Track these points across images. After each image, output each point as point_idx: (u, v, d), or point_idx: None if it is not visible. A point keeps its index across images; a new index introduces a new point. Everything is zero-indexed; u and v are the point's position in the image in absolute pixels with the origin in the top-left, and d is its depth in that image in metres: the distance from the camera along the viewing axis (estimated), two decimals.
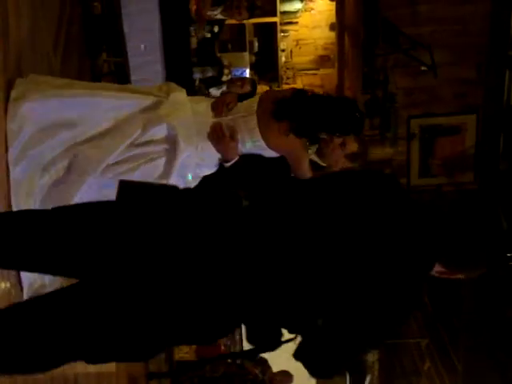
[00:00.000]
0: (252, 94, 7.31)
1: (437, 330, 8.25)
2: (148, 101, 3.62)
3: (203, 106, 3.76)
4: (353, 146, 3.77)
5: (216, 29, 7.44)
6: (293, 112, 3.63)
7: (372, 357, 9.25)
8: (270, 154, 3.67)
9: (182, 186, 3.48)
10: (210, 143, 3.52)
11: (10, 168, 3.22)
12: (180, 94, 3.71)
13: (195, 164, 3.54)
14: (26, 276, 3.24)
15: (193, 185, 3.60)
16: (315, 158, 3.82)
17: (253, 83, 7.14)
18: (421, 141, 8.87)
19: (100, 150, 3.38)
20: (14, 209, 3.15)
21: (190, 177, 3.55)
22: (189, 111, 3.60)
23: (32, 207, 3.19)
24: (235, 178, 3.19)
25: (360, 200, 1.93)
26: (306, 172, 3.74)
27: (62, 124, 3.40)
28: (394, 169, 8.96)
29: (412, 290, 1.95)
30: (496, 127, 8.51)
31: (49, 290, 3.33)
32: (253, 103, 3.82)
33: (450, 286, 7.94)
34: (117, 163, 3.43)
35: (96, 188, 3.39)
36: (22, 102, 3.31)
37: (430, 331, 8.43)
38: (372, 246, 1.87)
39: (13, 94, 3.35)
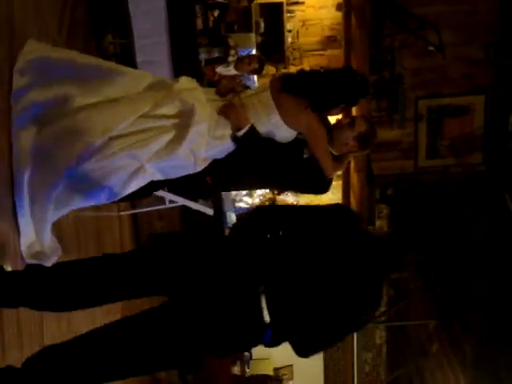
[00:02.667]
0: (259, 70, 7.30)
1: (446, 313, 8.23)
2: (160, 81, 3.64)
3: (212, 92, 3.78)
4: (361, 126, 3.80)
5: (216, 13, 7.39)
6: (299, 85, 3.71)
7: (380, 339, 9.26)
8: (285, 133, 3.69)
9: (191, 163, 3.49)
10: (221, 121, 3.55)
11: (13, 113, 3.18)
12: (191, 80, 3.70)
13: (206, 141, 3.49)
14: (23, 239, 3.21)
15: (203, 165, 3.58)
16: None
17: (260, 60, 7.11)
18: (428, 122, 8.82)
19: (106, 117, 3.28)
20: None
21: (201, 154, 3.49)
22: (201, 93, 3.59)
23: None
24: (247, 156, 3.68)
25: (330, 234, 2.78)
26: (324, 150, 3.75)
27: (70, 82, 3.33)
28: (402, 150, 8.92)
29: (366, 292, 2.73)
30: (505, 108, 8.45)
31: (49, 256, 3.32)
32: (265, 84, 3.89)
33: (461, 267, 7.95)
34: (124, 135, 3.32)
35: (95, 160, 3.25)
36: (32, 55, 3.32)
37: (438, 313, 8.43)
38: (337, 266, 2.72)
39: (25, 47, 3.36)
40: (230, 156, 3.67)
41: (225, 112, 3.58)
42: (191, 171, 3.57)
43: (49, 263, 3.34)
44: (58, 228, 3.61)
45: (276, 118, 3.65)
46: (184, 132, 3.39)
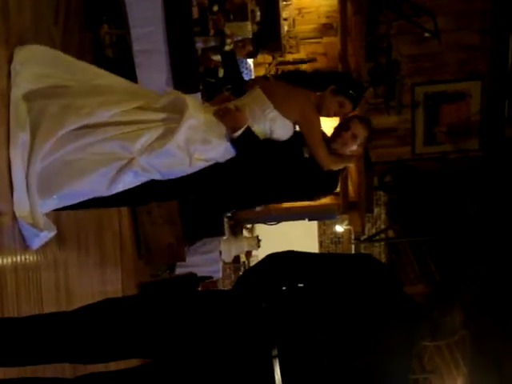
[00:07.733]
0: (254, 53, 7.31)
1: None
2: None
3: (211, 110, 3.72)
4: (358, 129, 3.71)
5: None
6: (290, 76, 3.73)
7: None
8: (282, 127, 3.69)
9: (186, 160, 3.42)
10: (217, 121, 3.54)
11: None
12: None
13: (201, 139, 3.45)
14: (17, 209, 3.07)
15: (200, 164, 3.54)
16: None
17: (254, 43, 7.12)
18: (425, 108, 8.84)
19: (97, 100, 3.25)
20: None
21: (195, 149, 3.44)
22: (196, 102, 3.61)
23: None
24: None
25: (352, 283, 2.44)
26: (318, 139, 3.71)
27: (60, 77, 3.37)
28: (399, 137, 8.94)
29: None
30: (501, 93, 8.46)
31: (43, 230, 3.19)
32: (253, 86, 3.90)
33: (459, 255, 7.96)
34: (114, 123, 3.25)
35: (83, 145, 3.18)
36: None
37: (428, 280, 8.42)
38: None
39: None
40: (230, 162, 3.61)
41: (221, 116, 3.54)
42: (187, 171, 3.47)
43: (44, 237, 3.24)
44: (56, 219, 3.62)
45: (271, 112, 3.63)
46: (176, 126, 3.33)
